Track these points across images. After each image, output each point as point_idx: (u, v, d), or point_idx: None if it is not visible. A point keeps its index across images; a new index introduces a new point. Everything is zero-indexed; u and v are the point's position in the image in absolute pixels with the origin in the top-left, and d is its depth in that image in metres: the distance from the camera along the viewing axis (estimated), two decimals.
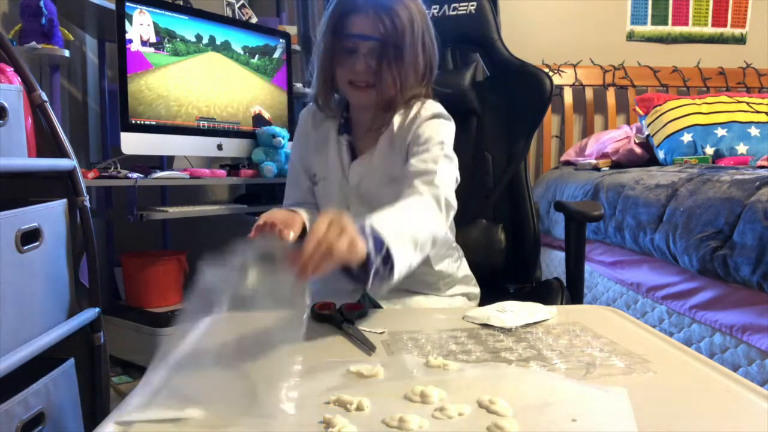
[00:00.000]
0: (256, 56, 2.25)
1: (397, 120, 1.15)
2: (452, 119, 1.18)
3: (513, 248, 1.55)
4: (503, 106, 1.63)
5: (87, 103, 2.36)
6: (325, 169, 1.19)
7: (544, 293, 1.35)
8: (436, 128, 1.12)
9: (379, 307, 1.12)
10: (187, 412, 0.59)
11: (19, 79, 1.20)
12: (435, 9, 1.68)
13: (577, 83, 3.05)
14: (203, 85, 2.08)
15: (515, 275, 1.59)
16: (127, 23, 1.84)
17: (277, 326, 0.74)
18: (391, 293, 1.13)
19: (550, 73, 3.00)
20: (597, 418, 0.58)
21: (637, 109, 2.71)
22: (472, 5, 1.71)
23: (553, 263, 2.63)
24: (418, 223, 0.90)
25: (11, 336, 1.02)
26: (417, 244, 0.86)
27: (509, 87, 1.59)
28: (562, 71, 3.03)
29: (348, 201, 1.17)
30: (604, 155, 2.64)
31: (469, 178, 1.55)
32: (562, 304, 1.27)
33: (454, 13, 1.70)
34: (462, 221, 1.51)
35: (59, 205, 1.21)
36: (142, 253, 2.22)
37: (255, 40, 2.25)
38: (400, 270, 0.80)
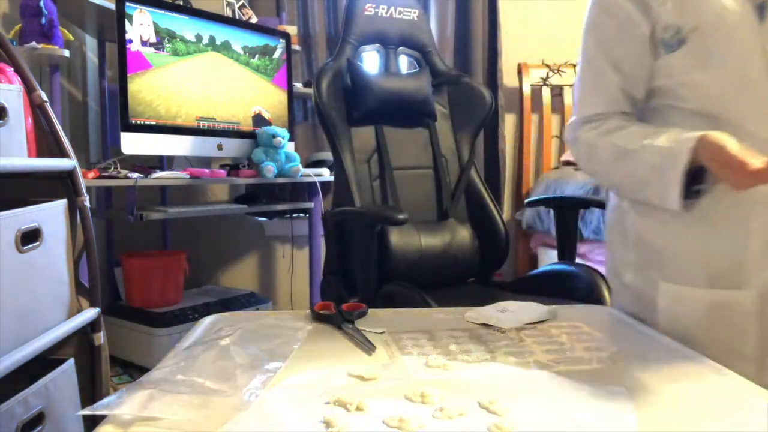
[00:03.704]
0: (256, 56, 2.25)
1: None
2: None
3: (482, 246, 1.76)
4: (448, 114, 1.81)
5: (87, 103, 2.36)
6: (709, 11, 0.90)
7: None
8: None
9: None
10: (176, 410, 0.58)
11: (19, 79, 1.20)
12: (383, 8, 1.80)
13: None
14: (203, 85, 2.08)
15: (486, 271, 1.78)
16: (127, 23, 1.84)
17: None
18: None
19: (550, 73, 3.01)
20: (597, 418, 0.58)
21: None
22: (414, 12, 1.85)
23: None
24: None
25: (11, 336, 1.02)
26: None
27: (450, 96, 1.75)
28: (562, 71, 3.03)
29: (764, 46, 0.89)
30: None
31: (437, 179, 1.78)
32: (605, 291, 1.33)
33: (400, 16, 1.82)
34: (433, 220, 1.74)
35: (59, 205, 1.21)
36: (142, 253, 2.22)
37: (255, 40, 2.25)
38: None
